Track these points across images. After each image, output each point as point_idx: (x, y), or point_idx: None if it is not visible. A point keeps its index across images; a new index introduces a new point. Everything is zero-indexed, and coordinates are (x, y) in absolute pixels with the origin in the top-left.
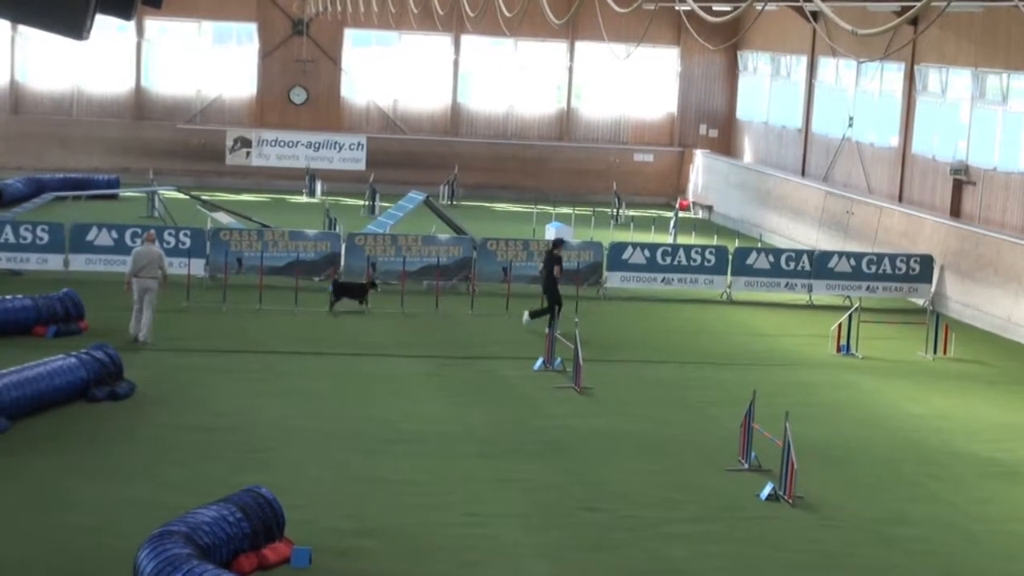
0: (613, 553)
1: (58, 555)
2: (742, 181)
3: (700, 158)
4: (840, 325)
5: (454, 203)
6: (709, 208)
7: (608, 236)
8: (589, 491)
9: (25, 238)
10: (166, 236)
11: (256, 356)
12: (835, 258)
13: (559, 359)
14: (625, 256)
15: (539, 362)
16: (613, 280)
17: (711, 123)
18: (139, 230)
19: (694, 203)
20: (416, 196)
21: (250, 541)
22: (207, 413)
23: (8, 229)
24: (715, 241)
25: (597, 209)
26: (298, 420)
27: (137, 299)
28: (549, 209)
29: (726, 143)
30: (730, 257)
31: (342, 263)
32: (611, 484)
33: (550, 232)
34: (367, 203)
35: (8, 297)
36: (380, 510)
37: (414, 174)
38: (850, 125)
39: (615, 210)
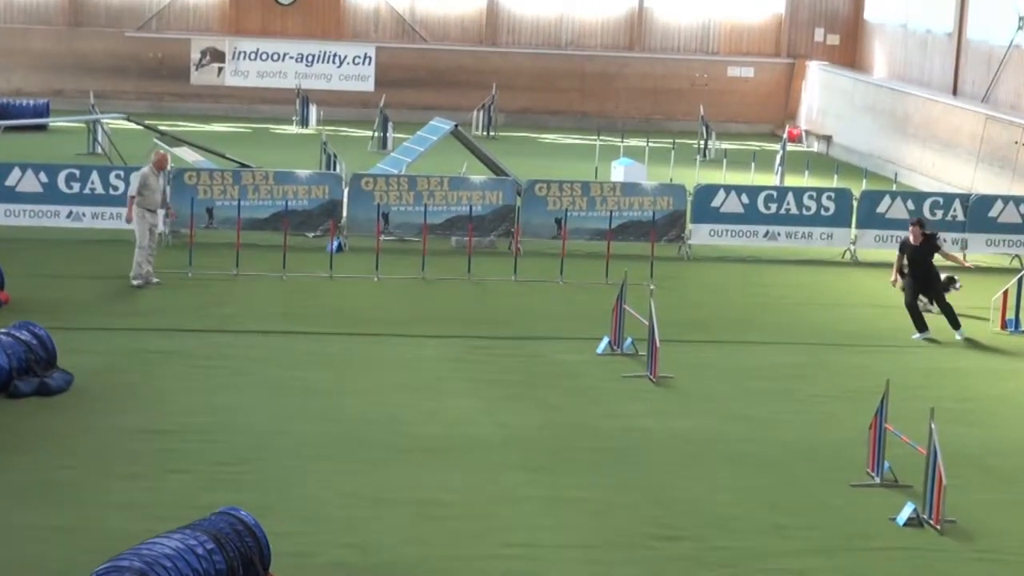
0: None
1: None
2: (872, 103)
3: (816, 73)
4: (1006, 293)
5: (491, 134)
6: (827, 139)
7: (693, 176)
8: (669, 514)
9: None
10: (111, 179)
11: (232, 337)
12: (998, 204)
13: (629, 339)
14: (716, 203)
15: (603, 343)
16: (699, 235)
17: (830, 26)
18: (76, 171)
19: (807, 132)
20: (441, 125)
21: None
22: (168, 412)
23: None
24: (835, 183)
25: (678, 140)
26: (286, 422)
27: (142, 234)
28: (615, 141)
29: (850, 53)
30: (855, 203)
31: (344, 213)
32: (699, 505)
33: (617, 171)
34: (377, 135)
35: None
36: (392, 539)
37: (438, 96)
38: (1020, 27)
39: (702, 142)
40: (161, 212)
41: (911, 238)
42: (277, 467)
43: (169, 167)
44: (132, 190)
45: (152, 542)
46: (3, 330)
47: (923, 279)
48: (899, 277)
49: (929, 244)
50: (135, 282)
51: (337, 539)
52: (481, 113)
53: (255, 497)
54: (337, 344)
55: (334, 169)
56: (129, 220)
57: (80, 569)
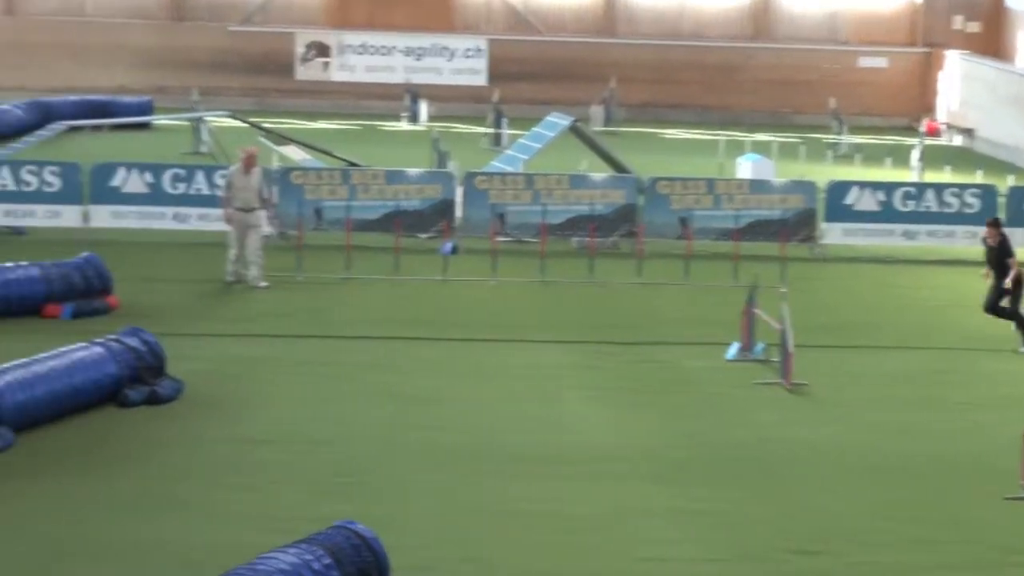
0: None
1: None
2: (1017, 94)
3: (955, 62)
4: None
5: (611, 129)
6: (969, 132)
7: (825, 173)
8: (807, 528)
9: (29, 183)
10: (216, 179)
11: (343, 343)
12: None
13: (760, 344)
14: (849, 200)
15: (734, 349)
16: (833, 234)
17: (970, 14)
18: (181, 171)
19: (947, 125)
20: (558, 120)
21: None
22: (279, 421)
23: (6, 172)
24: (979, 178)
25: (808, 135)
26: (402, 430)
27: (237, 236)
28: (741, 136)
29: (993, 40)
30: (1002, 200)
31: (458, 213)
32: (837, 519)
33: (743, 167)
34: (491, 131)
35: (8, 265)
36: (516, 553)
37: (555, 90)
38: None
39: (834, 136)
40: (261, 213)
41: (988, 238)
42: (394, 478)
43: (256, 166)
44: (223, 191)
45: (267, 557)
46: (112, 337)
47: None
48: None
49: (1003, 245)
50: (228, 278)
51: (458, 553)
52: (600, 108)
53: (372, 509)
54: (452, 350)
55: (446, 167)
56: (227, 221)
57: None
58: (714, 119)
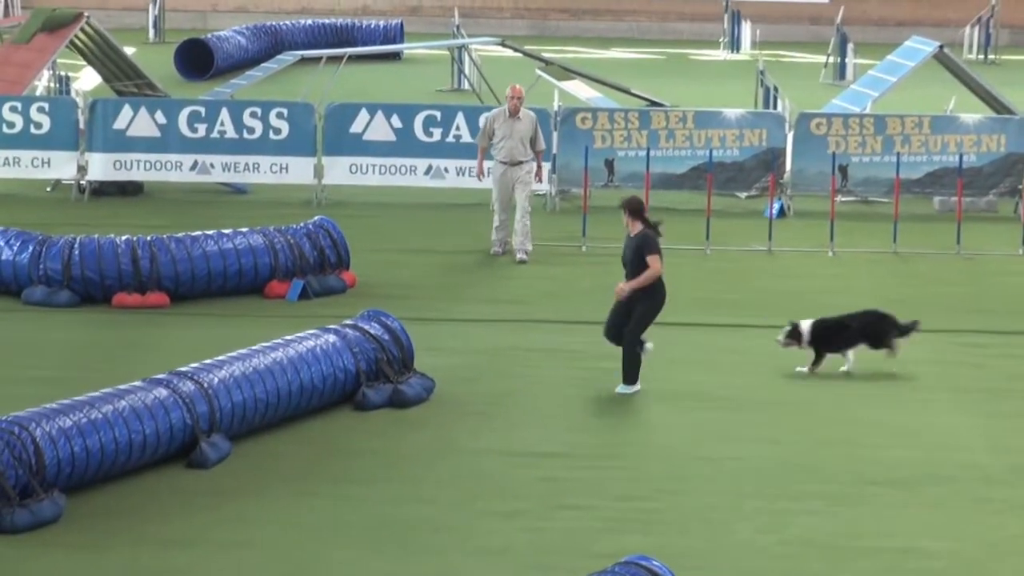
0: None
1: None
2: None
3: None
4: None
5: (989, 57)
6: None
7: None
8: None
9: (252, 130)
10: (481, 124)
11: None
12: None
13: None
14: None
15: None
16: None
17: None
18: (436, 114)
19: None
20: (921, 47)
21: None
22: (555, 430)
23: (224, 113)
24: None
25: None
26: (713, 443)
27: (499, 196)
28: None
29: None
30: None
31: (788, 166)
32: None
33: None
34: (833, 60)
35: (227, 232)
36: None
37: (915, 8)
38: None
39: None
40: (532, 166)
41: None
42: (700, 503)
43: (522, 107)
44: (479, 138)
45: None
46: (349, 322)
47: None
48: None
49: None
50: (493, 249)
51: None
52: (975, 29)
53: (672, 542)
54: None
55: (775, 108)
56: (480, 175)
57: None
58: None
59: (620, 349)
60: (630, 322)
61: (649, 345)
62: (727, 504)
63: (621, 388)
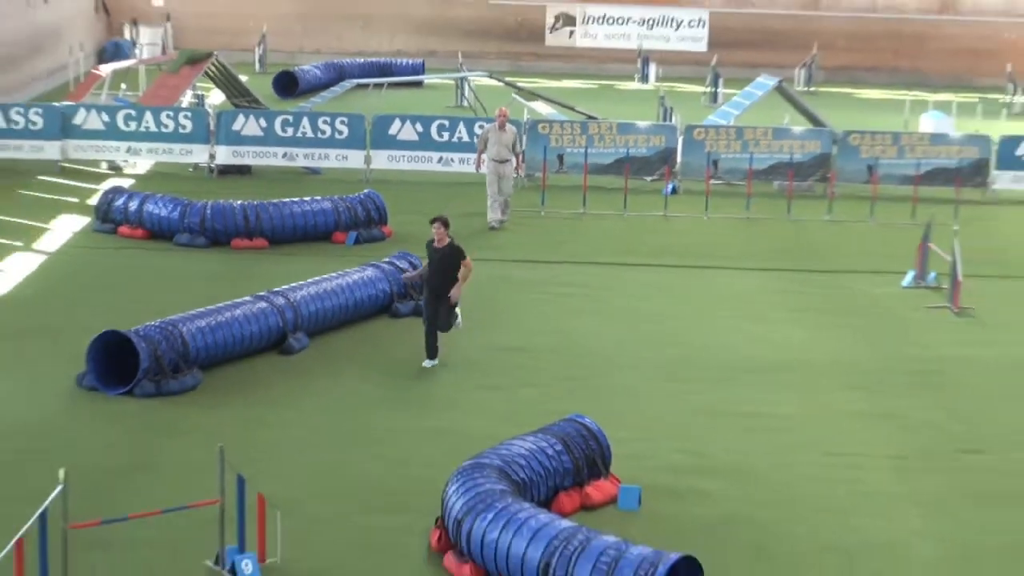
0: (1004, 506)
1: (363, 488)
2: None
3: None
4: None
5: (811, 89)
6: None
7: (999, 129)
8: (972, 431)
9: (324, 132)
10: (476, 130)
11: (579, 268)
12: None
13: (933, 273)
14: (1020, 152)
15: (909, 277)
16: (1003, 180)
17: None
18: (445, 122)
19: None
20: (766, 82)
21: (571, 477)
22: (524, 332)
23: (305, 122)
24: None
25: (985, 96)
26: (627, 343)
27: (492, 181)
28: (926, 95)
29: None
30: None
31: (678, 159)
32: (1000, 424)
33: (926, 123)
34: (709, 90)
35: (306, 199)
36: (724, 447)
37: (764, 55)
38: None
39: (1009, 97)
40: (514, 162)
41: None
42: (619, 383)
43: (507, 123)
44: (477, 143)
45: (509, 443)
46: (386, 260)
47: None
48: None
49: None
50: (490, 225)
51: (672, 445)
52: (802, 70)
53: (599, 407)
54: (672, 276)
55: (670, 120)
56: (477, 168)
57: (450, 463)
58: (902, 82)
59: (447, 318)
60: (441, 313)
61: (460, 320)
62: (637, 384)
63: (427, 363)
